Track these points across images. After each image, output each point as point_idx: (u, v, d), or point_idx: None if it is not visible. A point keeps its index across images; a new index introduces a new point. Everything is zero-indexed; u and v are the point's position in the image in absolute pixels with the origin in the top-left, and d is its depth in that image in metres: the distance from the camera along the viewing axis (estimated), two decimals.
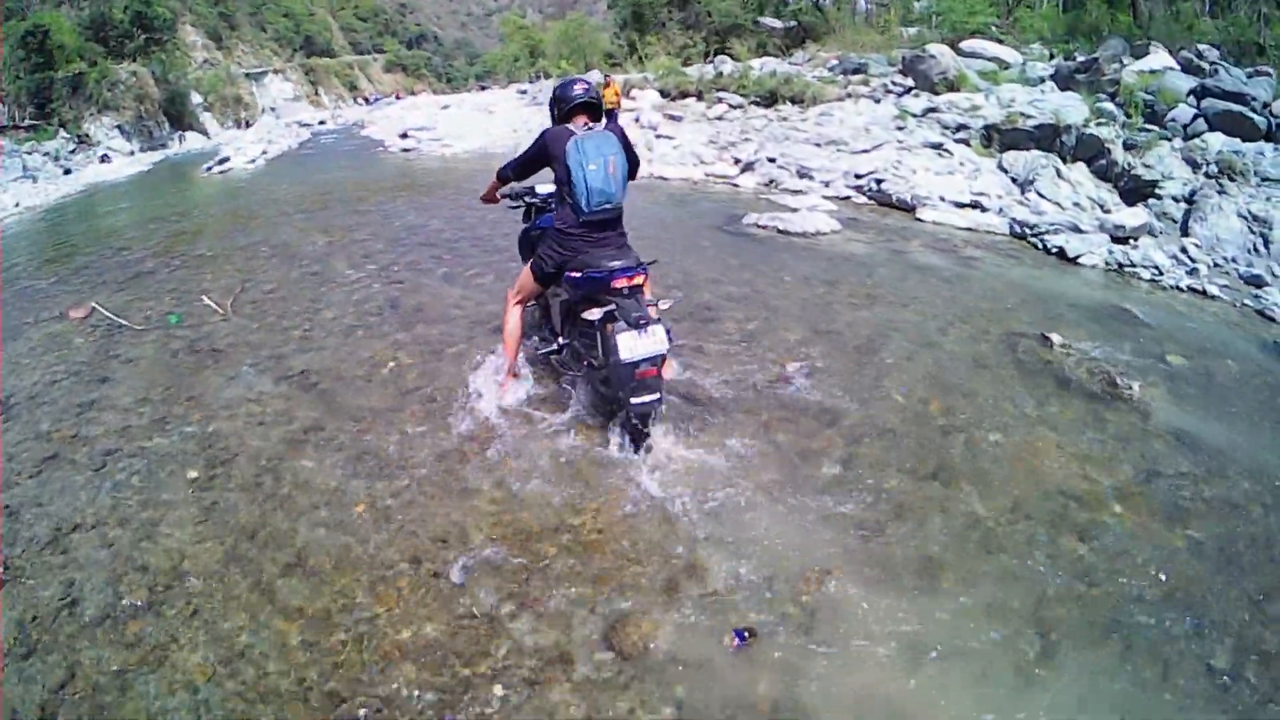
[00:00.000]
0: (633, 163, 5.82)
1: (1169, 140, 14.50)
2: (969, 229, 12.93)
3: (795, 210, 13.30)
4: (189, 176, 27.68)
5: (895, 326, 8.25)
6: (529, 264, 6.13)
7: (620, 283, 5.36)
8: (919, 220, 13.49)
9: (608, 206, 5.49)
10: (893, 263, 10.86)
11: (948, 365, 7.33)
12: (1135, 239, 11.82)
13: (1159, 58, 19.27)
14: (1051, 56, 24.05)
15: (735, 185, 16.98)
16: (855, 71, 25.71)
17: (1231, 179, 12.79)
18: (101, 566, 4.74)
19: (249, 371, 7.51)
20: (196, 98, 57.47)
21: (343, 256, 11.62)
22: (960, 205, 13.90)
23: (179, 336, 8.63)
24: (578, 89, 5.72)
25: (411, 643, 4.06)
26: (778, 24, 40.26)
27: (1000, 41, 25.65)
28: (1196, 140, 14.35)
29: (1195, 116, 15.26)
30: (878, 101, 21.79)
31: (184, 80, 54.84)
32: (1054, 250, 11.57)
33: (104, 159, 39.26)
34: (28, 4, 46.07)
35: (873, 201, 14.95)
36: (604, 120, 5.84)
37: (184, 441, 6.24)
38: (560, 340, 6.34)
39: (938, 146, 16.58)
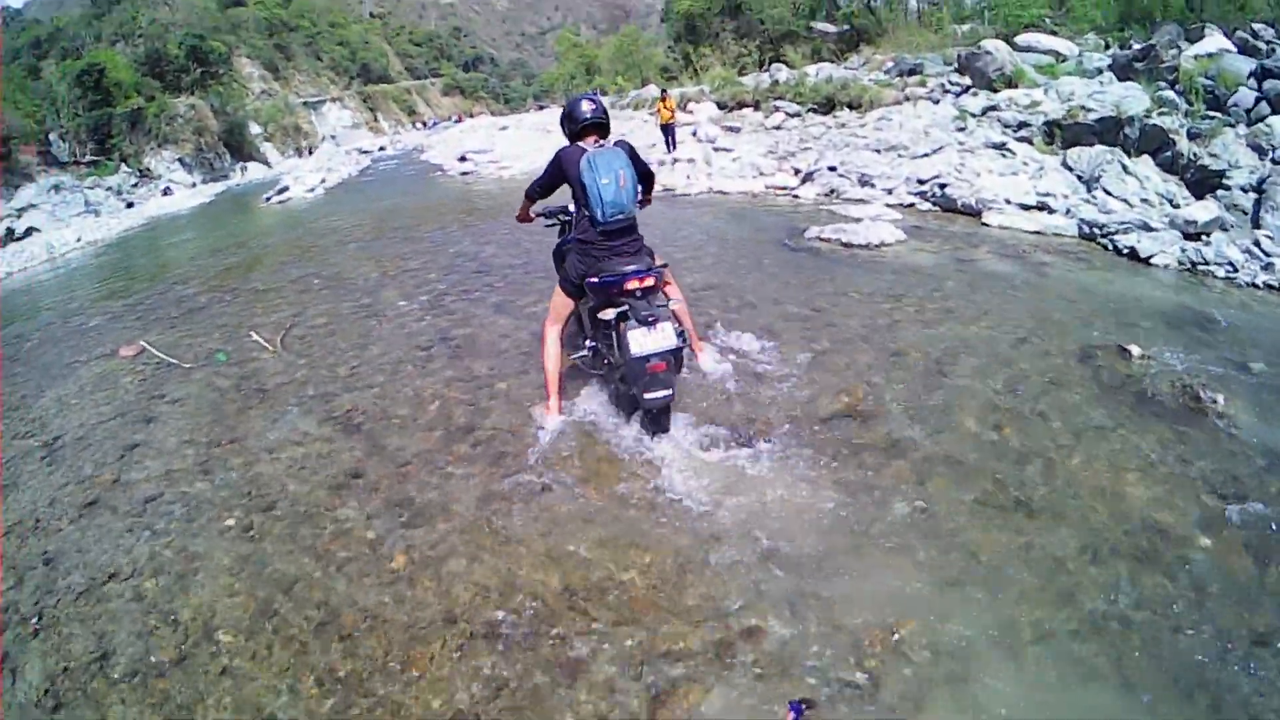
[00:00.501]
0: (644, 175, 6.18)
1: (1232, 126, 13.71)
2: (1037, 232, 12.33)
3: (858, 221, 12.83)
4: (249, 207, 28.01)
5: (966, 344, 7.66)
6: (559, 282, 6.46)
7: (632, 284, 5.71)
8: (985, 225, 12.90)
9: (620, 217, 5.81)
10: (960, 273, 10.22)
11: (1022, 386, 6.76)
12: (1207, 234, 11.05)
13: (1214, 40, 18.35)
14: (1107, 46, 23.13)
15: (796, 197, 16.52)
16: (911, 72, 25.18)
17: None
18: (134, 619, 4.63)
19: (294, 411, 7.35)
20: (256, 128, 58.52)
21: (394, 287, 11.51)
22: (1026, 207, 13.34)
23: (227, 375, 8.55)
24: (586, 108, 6.09)
25: (443, 713, 3.79)
26: (831, 28, 39.80)
27: (1054, 33, 24.89)
28: (1261, 125, 13.49)
29: (1258, 100, 14.45)
30: (936, 102, 21.16)
31: (242, 111, 55.96)
32: (1125, 251, 10.93)
33: (166, 192, 40.07)
34: (83, 43, 46.92)
35: (937, 208, 14.43)
36: (612, 137, 6.23)
37: (224, 488, 6.09)
38: (588, 344, 6.57)
39: (1000, 146, 16.00)
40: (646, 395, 5.65)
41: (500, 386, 7.39)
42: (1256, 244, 10.38)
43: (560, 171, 6.00)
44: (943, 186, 14.53)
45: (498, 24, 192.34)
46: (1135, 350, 7.19)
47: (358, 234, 16.85)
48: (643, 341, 5.53)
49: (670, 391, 5.74)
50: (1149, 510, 5.00)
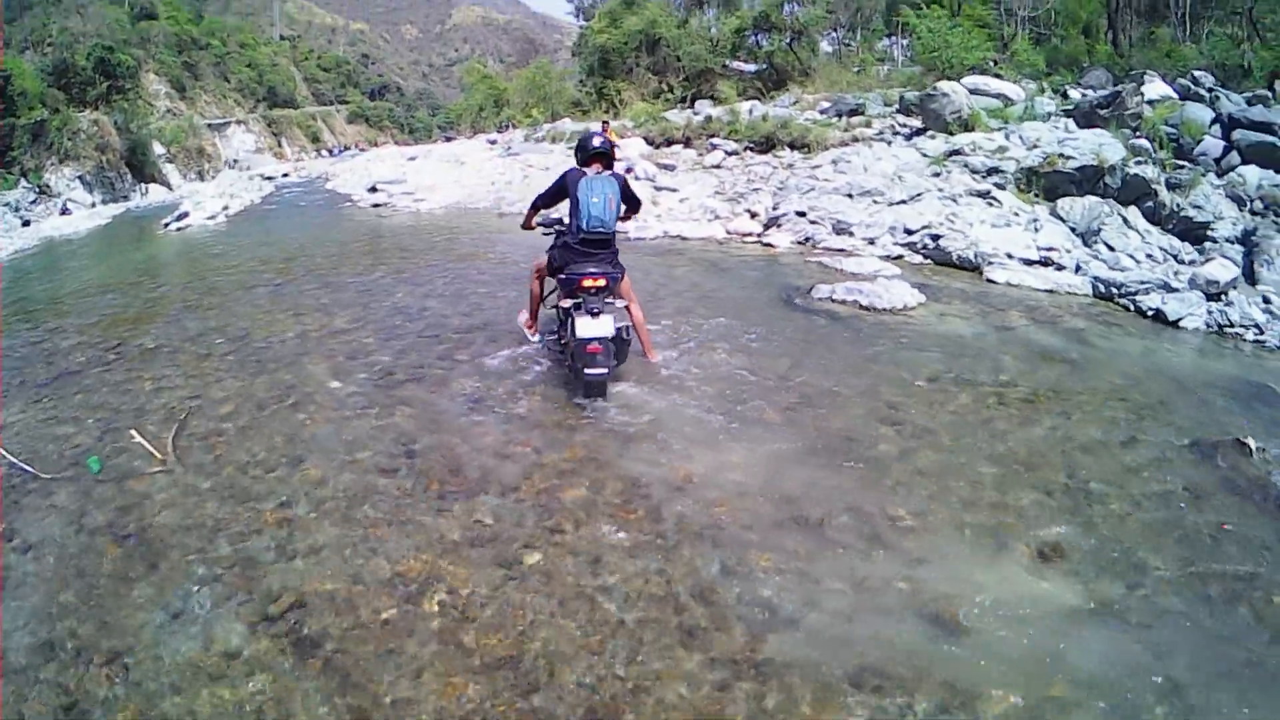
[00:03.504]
0: (630, 201, 7.21)
1: (1204, 176, 13.46)
2: (1049, 290, 11.09)
3: (870, 280, 10.94)
4: (148, 233, 24.79)
5: (1082, 449, 6.39)
6: (547, 255, 7.55)
7: (588, 282, 6.74)
8: (991, 282, 11.48)
9: (600, 230, 6.83)
10: (1006, 345, 8.85)
11: (1168, 510, 5.51)
12: (1226, 294, 10.35)
13: (1156, 87, 18.56)
14: (1042, 91, 22.57)
15: (769, 245, 14.31)
16: (852, 113, 23.78)
17: (1278, 215, 12.38)
18: None
19: (201, 596, 4.56)
20: (159, 148, 55.09)
21: (322, 356, 8.59)
22: (1029, 262, 11.93)
23: (100, 501, 5.68)
24: (596, 142, 7.15)
25: None
26: (748, 67, 38.44)
27: (999, 77, 23.73)
28: (1234, 175, 13.86)
29: (1227, 149, 14.75)
30: (889, 144, 19.51)
31: (146, 130, 52.34)
32: (1149, 312, 10.17)
33: (64, 211, 37.03)
34: None
35: (929, 261, 12.75)
36: (611, 168, 7.20)
37: None
38: (556, 329, 7.96)
39: (985, 195, 14.34)
40: (586, 370, 6.65)
41: (531, 561, 4.85)
42: (1266, 301, 10.17)
43: (563, 187, 7.04)
44: (936, 238, 12.91)
45: (406, 53, 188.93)
46: (1253, 444, 6.28)
47: (266, 274, 13.75)
48: (587, 327, 6.54)
49: (605, 370, 6.69)
50: None
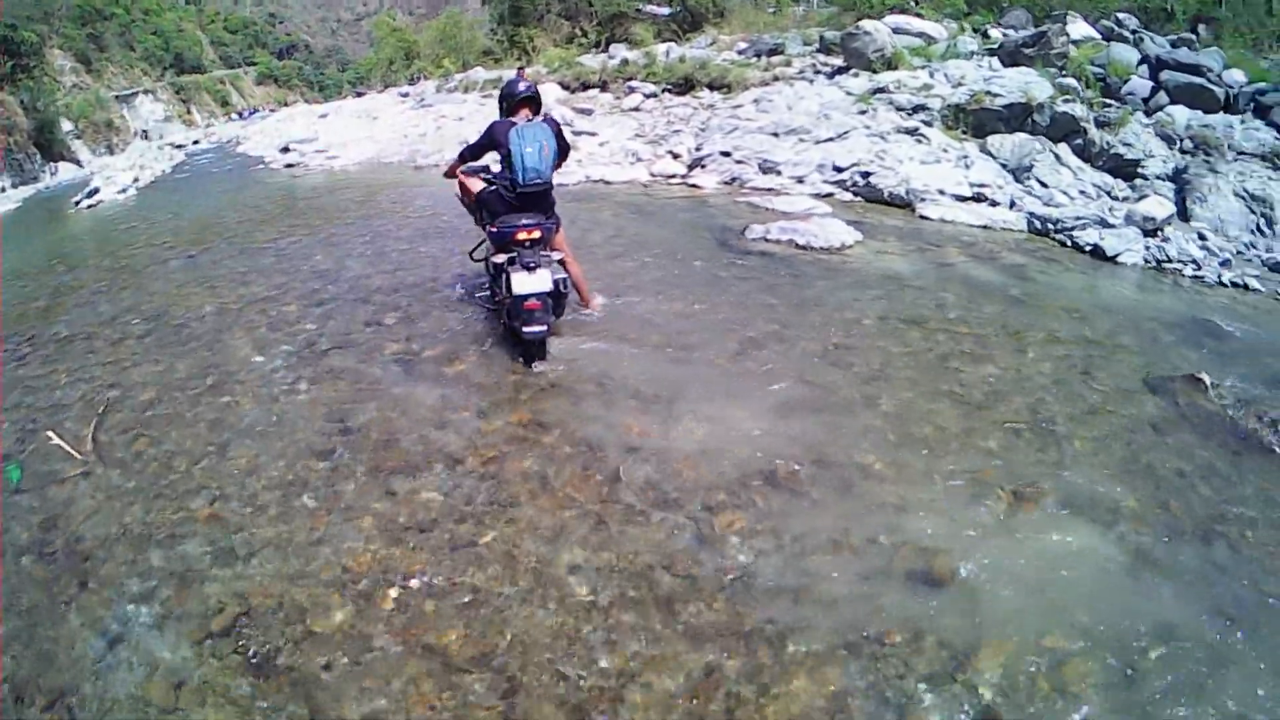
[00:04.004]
0: (563, 149, 6.78)
1: (1133, 115, 13.81)
2: (984, 226, 11.07)
3: (801, 217, 10.79)
4: (58, 213, 23.75)
5: (1039, 387, 6.33)
6: (481, 185, 7.09)
7: (522, 235, 6.48)
8: (924, 218, 11.37)
9: (538, 181, 6.51)
10: (948, 283, 8.70)
11: (1134, 448, 5.44)
12: (1162, 230, 10.54)
13: (1079, 27, 18.34)
14: (962, 30, 22.10)
15: (695, 186, 13.98)
16: (772, 53, 23.29)
17: (1208, 154, 12.26)
18: None
19: (138, 618, 4.11)
20: (67, 125, 53.16)
21: (242, 330, 8.10)
22: (961, 199, 11.86)
23: (22, 514, 5.19)
24: (521, 86, 6.87)
25: None
26: (662, 10, 37.67)
27: (920, 16, 23.20)
28: (1162, 114, 13.93)
29: (1155, 89, 14.77)
30: (810, 83, 19.14)
31: (53, 107, 50.40)
32: (1086, 248, 10.25)
33: None
34: None
35: (859, 198, 12.55)
36: (542, 113, 6.88)
37: None
38: (489, 285, 7.52)
39: (913, 132, 14.13)
40: (525, 329, 6.38)
41: (486, 540, 4.52)
42: (1201, 237, 10.43)
43: (491, 139, 6.68)
44: (866, 175, 12.78)
45: (313, 9, 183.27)
46: (1207, 379, 6.29)
47: (179, 245, 13.13)
48: (523, 283, 6.26)
49: (544, 328, 6.44)
50: None
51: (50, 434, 6.14)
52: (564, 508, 4.74)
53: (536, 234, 6.49)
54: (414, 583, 4.17)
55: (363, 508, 4.88)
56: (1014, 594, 3.90)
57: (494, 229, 6.68)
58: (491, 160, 7.01)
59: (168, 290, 10.16)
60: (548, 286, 6.29)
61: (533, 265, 6.30)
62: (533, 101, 6.78)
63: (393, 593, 4.11)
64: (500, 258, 6.62)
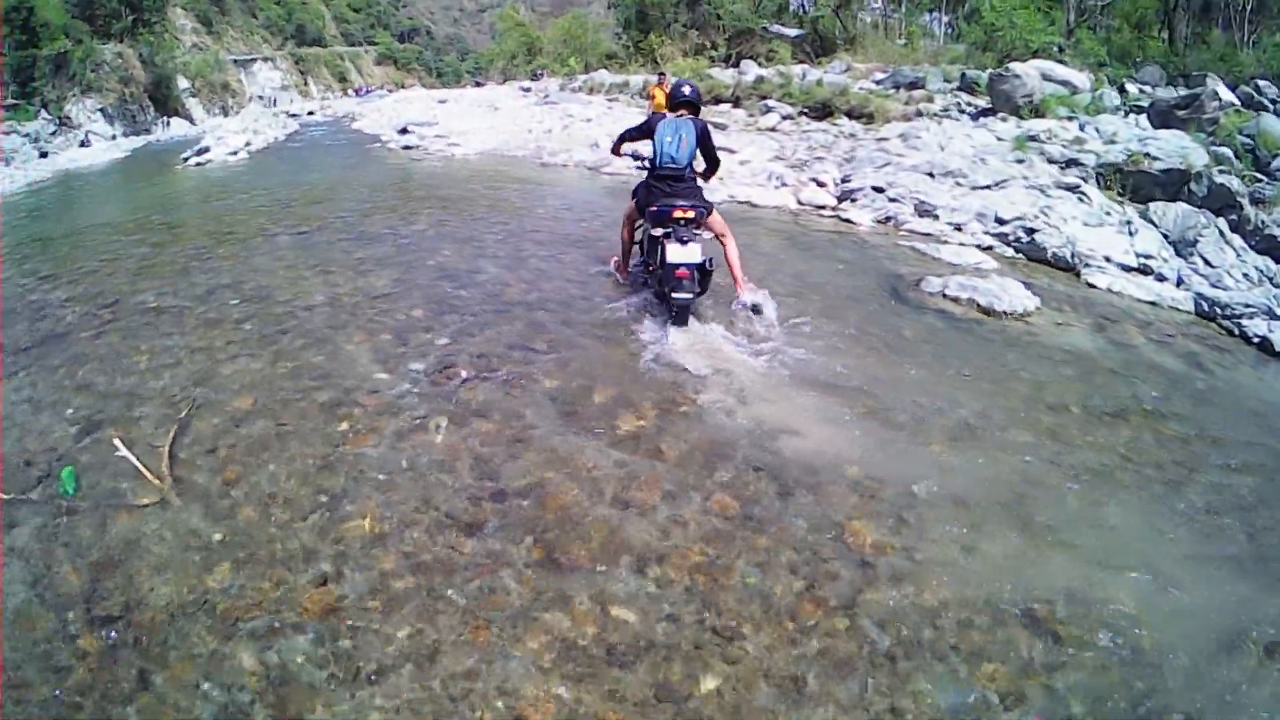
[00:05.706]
0: (708, 151, 7.51)
1: None
2: (1151, 303, 9.75)
3: (975, 272, 9.71)
4: (166, 166, 23.59)
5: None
6: (633, 198, 7.82)
7: (678, 214, 7.03)
8: (1091, 286, 10.04)
9: (672, 165, 7.16)
10: (1135, 368, 7.52)
11: None
12: None
13: (1220, 92, 16.50)
14: (1100, 82, 20.88)
15: (849, 222, 12.68)
16: (912, 86, 21.97)
17: None
18: None
19: None
20: (184, 83, 54.29)
21: (361, 332, 7.00)
22: (1127, 269, 10.59)
23: (73, 547, 4.09)
24: (685, 90, 7.51)
25: None
26: (790, 31, 36.56)
27: (1064, 64, 21.87)
28: None
29: None
30: (957, 122, 18.03)
31: (171, 64, 51.69)
32: (1255, 339, 8.82)
33: (84, 143, 36.47)
34: None
35: (1021, 255, 11.28)
36: (697, 114, 7.48)
37: None
38: (643, 259, 8.21)
39: (1074, 189, 12.80)
40: (674, 295, 6.88)
41: (707, 689, 3.30)
42: None
43: (648, 126, 7.41)
44: (1030, 231, 11.50)
45: None
46: None
47: (289, 218, 12.19)
48: (676, 253, 6.86)
49: (691, 296, 6.92)
50: None
51: (118, 442, 5.02)
52: (796, 644, 3.54)
53: (691, 214, 7.04)
54: None
55: (532, 620, 3.66)
56: None
57: (653, 208, 7.22)
58: (644, 147, 7.71)
59: (273, 269, 9.20)
60: (697, 259, 6.89)
61: (685, 240, 6.92)
62: (691, 105, 7.42)
63: None
64: (657, 231, 7.30)
